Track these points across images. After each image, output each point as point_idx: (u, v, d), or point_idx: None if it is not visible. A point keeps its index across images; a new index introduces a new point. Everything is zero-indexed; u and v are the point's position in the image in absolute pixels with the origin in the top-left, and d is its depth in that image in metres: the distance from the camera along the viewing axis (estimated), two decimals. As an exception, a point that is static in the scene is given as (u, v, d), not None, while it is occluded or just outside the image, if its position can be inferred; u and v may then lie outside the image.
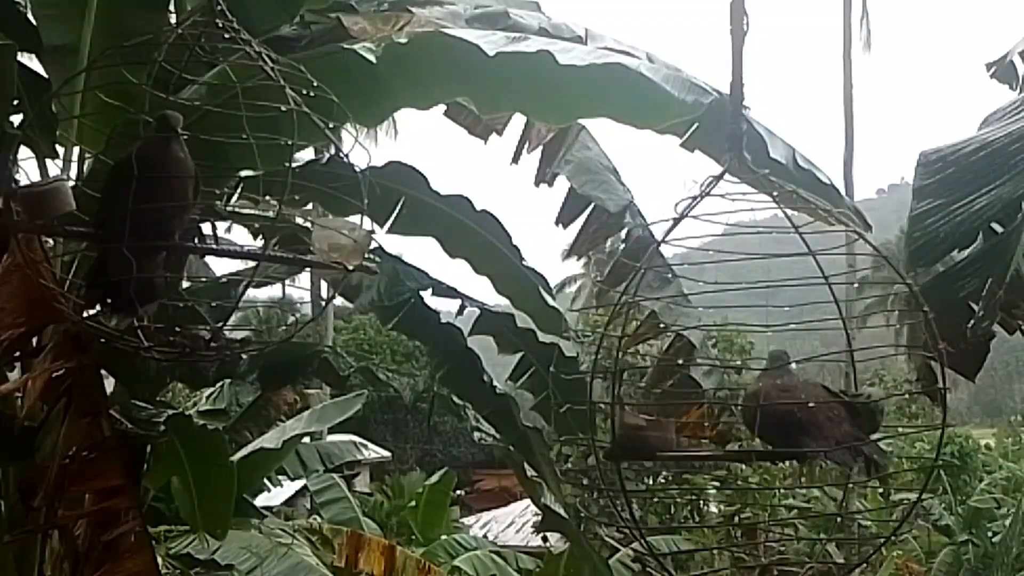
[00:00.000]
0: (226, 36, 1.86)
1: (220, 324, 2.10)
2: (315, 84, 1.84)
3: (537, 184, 4.96)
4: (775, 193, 1.98)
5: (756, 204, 1.99)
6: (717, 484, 12.33)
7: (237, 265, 2.81)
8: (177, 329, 1.96)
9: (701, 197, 1.93)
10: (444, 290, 4.82)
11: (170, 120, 1.82)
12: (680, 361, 4.52)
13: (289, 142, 1.76)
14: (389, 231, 4.51)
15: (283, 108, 1.77)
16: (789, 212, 1.98)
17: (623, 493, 2.04)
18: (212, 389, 6.63)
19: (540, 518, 13.30)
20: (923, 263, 3.24)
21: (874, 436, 2.25)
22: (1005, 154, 3.38)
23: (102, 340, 2.21)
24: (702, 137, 4.23)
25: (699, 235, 2.06)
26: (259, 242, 3.88)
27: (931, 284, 3.22)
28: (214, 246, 1.91)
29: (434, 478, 16.51)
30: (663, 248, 2.61)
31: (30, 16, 3.68)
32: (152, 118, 1.86)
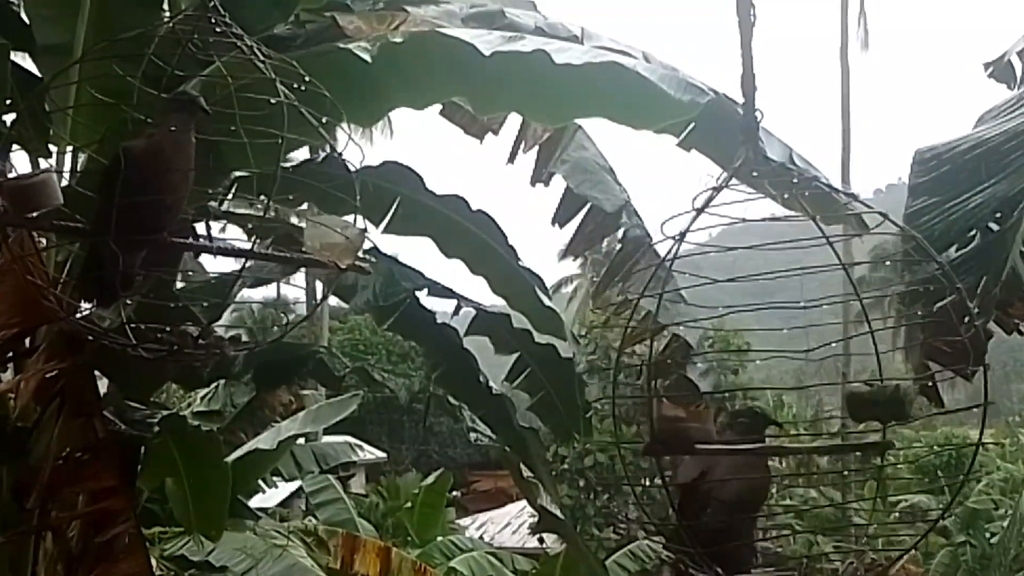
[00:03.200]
0: (217, 30, 1.85)
1: (209, 322, 2.08)
2: (307, 79, 1.83)
3: (533, 184, 4.95)
4: (795, 180, 1.97)
5: (771, 197, 1.98)
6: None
7: (232, 264, 2.80)
8: (166, 328, 1.94)
9: (719, 190, 1.91)
10: (440, 290, 4.81)
11: (196, 100, 1.78)
12: (680, 359, 4.51)
13: (281, 139, 1.74)
14: (385, 231, 4.49)
15: (273, 101, 1.75)
16: (802, 204, 1.96)
17: (665, 489, 2.00)
18: (207, 390, 6.61)
19: (536, 519, 13.27)
20: (918, 262, 3.23)
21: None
22: (1000, 152, 3.38)
23: (90, 338, 2.20)
24: (699, 137, 4.22)
25: (702, 229, 2.03)
26: (254, 241, 3.86)
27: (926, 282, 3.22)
28: (204, 244, 1.89)
29: (430, 479, 16.48)
30: (661, 245, 2.59)
31: (23, 15, 3.67)
32: (172, 100, 1.82)
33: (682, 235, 1.97)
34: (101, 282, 1.84)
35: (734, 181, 1.93)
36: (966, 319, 1.99)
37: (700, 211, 1.91)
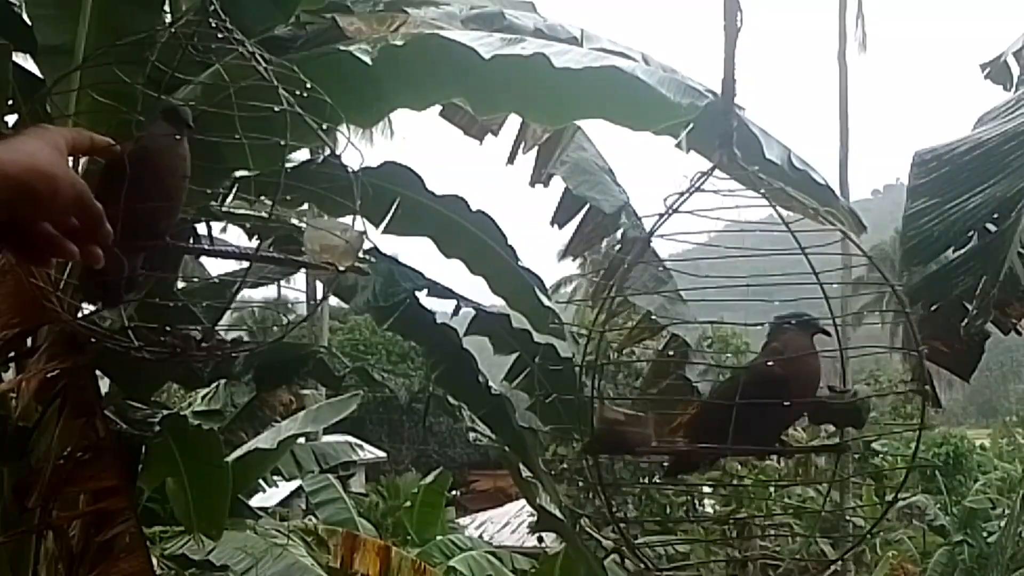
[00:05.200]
0: (219, 36, 1.86)
1: (212, 324, 2.10)
2: (309, 85, 1.84)
3: (532, 185, 4.96)
4: (763, 191, 1.98)
5: (747, 202, 1.98)
6: (711, 483, 12.37)
7: (232, 265, 2.81)
8: (168, 329, 1.95)
9: (690, 193, 1.92)
10: (439, 291, 4.82)
11: (182, 115, 1.81)
12: (674, 359, 4.52)
13: (283, 143, 1.76)
14: (384, 231, 4.50)
15: (276, 108, 1.76)
16: (782, 211, 1.97)
17: (601, 488, 2.04)
18: (207, 390, 6.62)
19: (535, 519, 13.28)
20: (917, 262, 3.25)
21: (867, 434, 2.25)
22: (999, 153, 3.40)
23: (93, 340, 2.21)
24: (698, 138, 4.23)
25: (690, 232, 2.05)
26: (254, 243, 3.88)
27: (924, 283, 3.23)
28: (206, 246, 1.90)
29: (429, 478, 16.50)
30: (657, 246, 2.60)
31: (24, 16, 3.68)
32: (162, 110, 1.84)
33: (648, 236, 1.99)
34: (104, 285, 1.85)
35: (716, 184, 1.95)
36: (919, 343, 2.01)
37: (668, 214, 1.93)
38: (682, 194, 1.93)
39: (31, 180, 0.97)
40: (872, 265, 2.07)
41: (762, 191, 1.97)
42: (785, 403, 1.87)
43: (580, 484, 13.63)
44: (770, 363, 1.93)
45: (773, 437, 1.99)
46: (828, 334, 2.01)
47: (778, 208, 1.95)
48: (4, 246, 1.04)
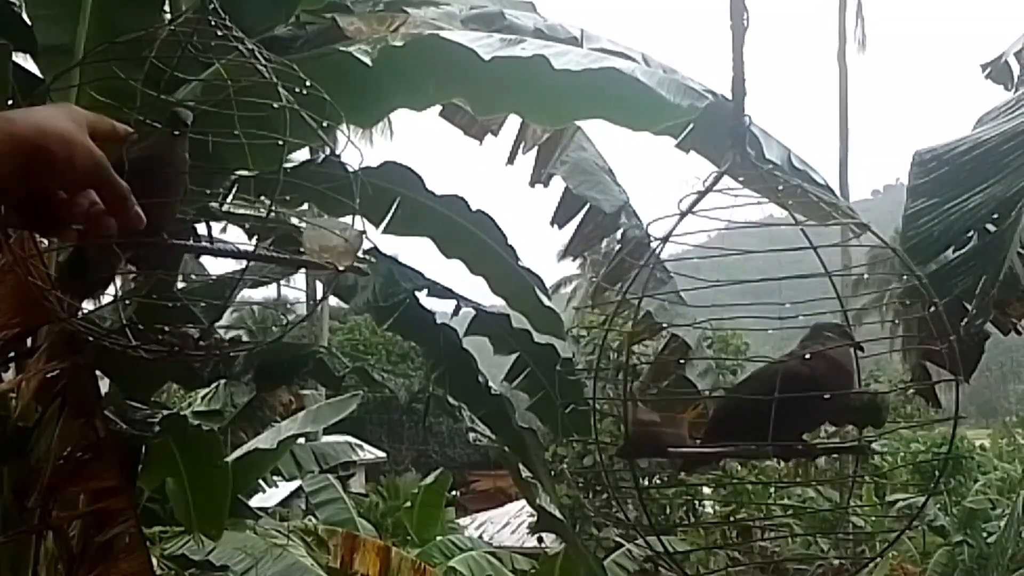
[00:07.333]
0: (218, 34, 1.86)
1: (211, 324, 2.09)
2: (308, 83, 1.84)
3: (533, 184, 4.96)
4: (780, 188, 1.96)
5: (759, 200, 1.97)
6: (713, 484, 12.37)
7: (231, 265, 2.82)
8: (166, 328, 1.95)
9: (704, 193, 1.91)
10: (439, 291, 4.82)
11: (181, 116, 1.82)
12: (679, 360, 4.52)
13: (282, 142, 1.76)
14: (384, 231, 4.50)
15: (275, 106, 1.76)
16: (792, 208, 1.96)
17: (637, 492, 2.01)
18: (207, 390, 6.62)
19: (535, 519, 13.30)
20: (917, 262, 3.25)
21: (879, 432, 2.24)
22: (998, 153, 3.40)
23: (90, 339, 2.21)
24: (697, 138, 4.24)
25: (703, 231, 2.03)
26: (254, 242, 3.87)
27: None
28: (205, 245, 1.90)
29: (429, 479, 16.49)
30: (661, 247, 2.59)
31: (24, 16, 3.68)
32: (156, 115, 1.85)
33: (665, 238, 1.97)
34: (87, 282, 1.86)
35: (725, 184, 1.94)
36: (950, 332, 1.99)
37: (684, 214, 1.91)
38: (699, 194, 1.91)
39: (45, 143, 0.92)
40: (897, 256, 2.05)
41: (779, 188, 1.96)
42: (825, 396, 1.84)
43: (598, 489, 13.56)
44: (807, 356, 1.88)
45: (795, 438, 1.96)
46: (862, 349, 1.98)
47: (789, 207, 1.94)
48: (23, 222, 1.00)
